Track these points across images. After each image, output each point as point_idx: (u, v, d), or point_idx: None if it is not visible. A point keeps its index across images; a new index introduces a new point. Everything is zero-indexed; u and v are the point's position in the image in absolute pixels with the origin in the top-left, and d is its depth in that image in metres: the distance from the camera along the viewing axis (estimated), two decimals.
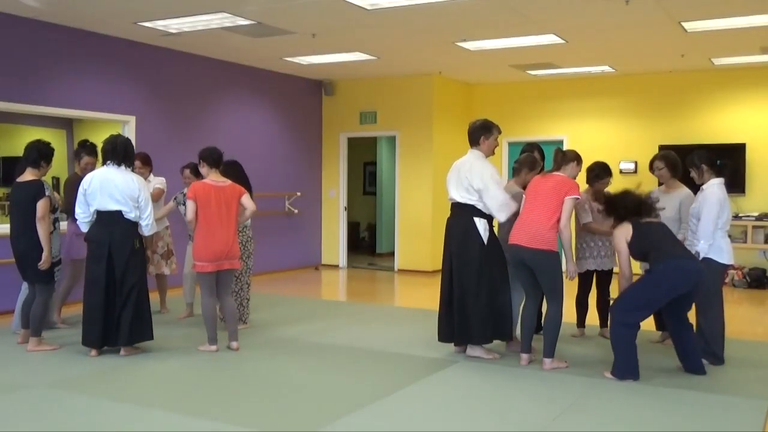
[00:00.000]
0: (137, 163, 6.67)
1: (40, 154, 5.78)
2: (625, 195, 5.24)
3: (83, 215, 5.60)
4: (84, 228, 5.67)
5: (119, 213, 5.52)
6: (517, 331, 5.65)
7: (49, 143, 5.91)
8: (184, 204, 6.43)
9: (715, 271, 5.37)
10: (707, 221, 5.28)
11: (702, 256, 5.28)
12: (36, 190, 5.71)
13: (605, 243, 6.17)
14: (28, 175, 5.77)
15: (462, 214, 5.50)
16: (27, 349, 5.70)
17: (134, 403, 4.47)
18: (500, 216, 5.45)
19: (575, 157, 5.43)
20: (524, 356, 5.43)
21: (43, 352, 5.70)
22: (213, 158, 5.85)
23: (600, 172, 6.23)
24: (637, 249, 5.10)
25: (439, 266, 7.45)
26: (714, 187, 5.41)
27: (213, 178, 5.82)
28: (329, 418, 4.22)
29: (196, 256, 5.71)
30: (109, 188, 5.50)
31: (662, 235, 5.16)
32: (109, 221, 5.52)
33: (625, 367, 5.00)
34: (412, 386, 4.88)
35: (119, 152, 5.61)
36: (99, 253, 5.49)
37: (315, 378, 5.08)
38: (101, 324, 5.49)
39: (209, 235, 5.68)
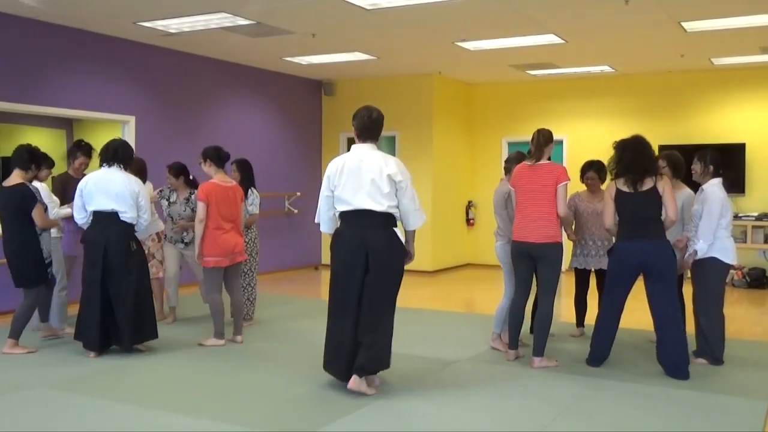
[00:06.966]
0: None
1: (32, 156, 5.71)
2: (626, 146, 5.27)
3: (81, 219, 5.65)
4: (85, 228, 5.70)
5: (115, 214, 5.54)
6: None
7: (38, 149, 5.85)
8: (167, 199, 6.70)
9: (720, 270, 5.39)
10: (708, 221, 5.29)
11: (700, 255, 5.29)
12: (23, 196, 5.56)
13: (604, 243, 6.17)
14: (15, 178, 5.65)
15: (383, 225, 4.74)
16: (2, 351, 5.61)
17: (134, 403, 4.47)
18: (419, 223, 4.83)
19: (552, 137, 5.58)
20: (511, 352, 5.51)
21: (22, 354, 5.59)
22: (220, 158, 5.98)
23: (583, 167, 6.45)
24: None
25: (440, 266, 7.52)
26: (714, 187, 5.42)
27: (220, 178, 5.94)
28: (329, 418, 4.22)
29: (208, 253, 5.81)
30: (104, 186, 5.53)
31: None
32: (105, 223, 5.55)
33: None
34: (412, 386, 4.88)
35: (119, 155, 5.65)
36: (95, 256, 5.52)
37: (315, 377, 5.08)
38: (99, 327, 5.51)
39: (220, 232, 5.84)
